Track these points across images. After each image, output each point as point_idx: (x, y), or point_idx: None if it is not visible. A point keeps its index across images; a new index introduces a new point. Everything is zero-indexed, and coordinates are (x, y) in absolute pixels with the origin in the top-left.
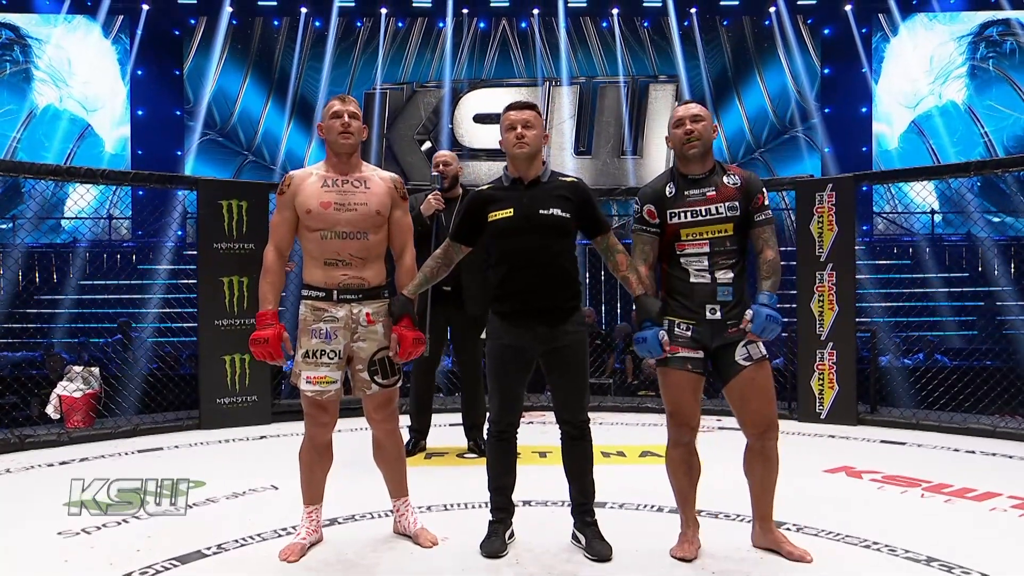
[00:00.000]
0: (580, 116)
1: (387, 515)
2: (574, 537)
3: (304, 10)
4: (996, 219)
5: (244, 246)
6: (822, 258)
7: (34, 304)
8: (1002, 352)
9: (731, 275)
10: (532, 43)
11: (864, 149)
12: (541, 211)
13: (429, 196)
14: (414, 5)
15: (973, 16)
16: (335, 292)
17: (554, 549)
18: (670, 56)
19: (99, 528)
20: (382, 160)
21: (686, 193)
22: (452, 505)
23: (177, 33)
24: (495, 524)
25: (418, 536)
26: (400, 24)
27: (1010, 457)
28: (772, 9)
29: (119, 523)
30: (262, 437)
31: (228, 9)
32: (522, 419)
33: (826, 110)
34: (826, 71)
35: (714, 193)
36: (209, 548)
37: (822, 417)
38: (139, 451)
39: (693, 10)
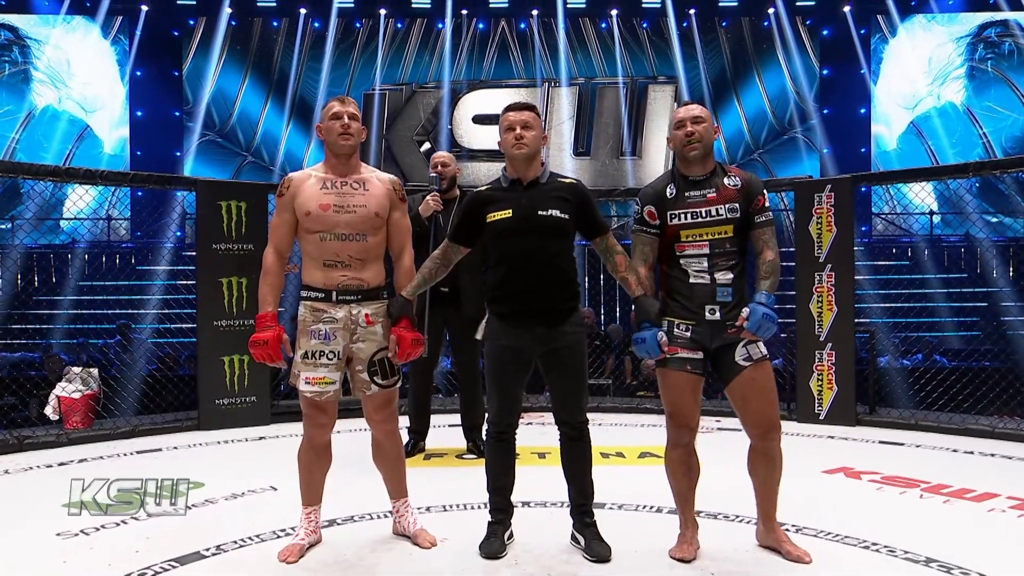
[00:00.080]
0: (579, 117)
1: (386, 516)
2: (573, 538)
3: (303, 11)
4: (994, 219)
5: (243, 247)
6: (821, 259)
7: (33, 305)
8: (1001, 353)
9: (730, 276)
10: (531, 44)
11: (863, 150)
12: (540, 212)
13: (427, 197)
14: (413, 6)
15: (972, 17)
16: (334, 293)
17: (553, 550)
18: (669, 57)
19: (98, 529)
20: (381, 161)
21: (686, 194)
22: (451, 506)
23: (176, 34)
24: (494, 525)
25: (417, 537)
26: (399, 25)
27: (1009, 458)
28: (771, 10)
29: (118, 524)
30: (261, 438)
31: (227, 10)
32: (521, 420)
33: (825, 111)
34: (825, 72)
35: (715, 195)
36: (208, 549)
37: (821, 418)
38: (138, 452)
39: (692, 11)
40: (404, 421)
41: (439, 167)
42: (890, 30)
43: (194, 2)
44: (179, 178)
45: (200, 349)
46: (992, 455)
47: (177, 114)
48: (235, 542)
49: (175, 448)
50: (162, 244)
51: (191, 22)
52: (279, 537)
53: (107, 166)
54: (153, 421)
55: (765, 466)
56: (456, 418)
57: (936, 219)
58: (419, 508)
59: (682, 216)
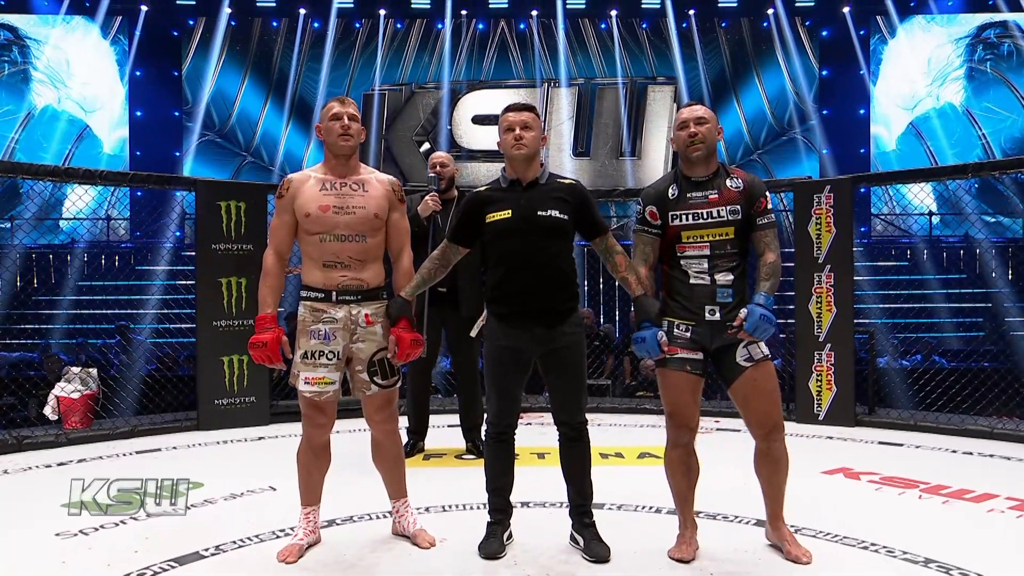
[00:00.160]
0: (578, 117)
1: (385, 516)
2: (572, 538)
3: (303, 11)
4: (992, 219)
5: (242, 247)
6: (820, 259)
7: (32, 305)
8: (1000, 353)
9: (731, 277)
10: (531, 44)
11: (862, 151)
12: (539, 212)
13: (426, 197)
14: (413, 6)
15: (971, 18)
16: (334, 293)
17: (552, 550)
18: (668, 58)
19: (97, 529)
20: (380, 161)
21: (688, 195)
22: (450, 506)
23: (176, 34)
24: (493, 525)
25: (416, 537)
26: (399, 25)
27: (1008, 458)
28: (770, 11)
29: (117, 524)
30: (260, 438)
31: (227, 10)
32: (520, 420)
33: (824, 112)
34: (824, 73)
35: (716, 196)
36: (207, 549)
37: (820, 418)
38: (137, 452)
39: (691, 12)
40: (403, 422)
41: (438, 167)
42: (889, 31)
43: (194, 2)
44: (178, 178)
45: (199, 349)
46: (991, 456)
47: (176, 114)
48: (234, 542)
49: (174, 448)
50: (161, 244)
51: (191, 22)
52: (278, 537)
53: (106, 166)
54: (152, 421)
55: (769, 467)
56: (455, 418)
57: (935, 220)
58: (418, 508)
59: (683, 217)
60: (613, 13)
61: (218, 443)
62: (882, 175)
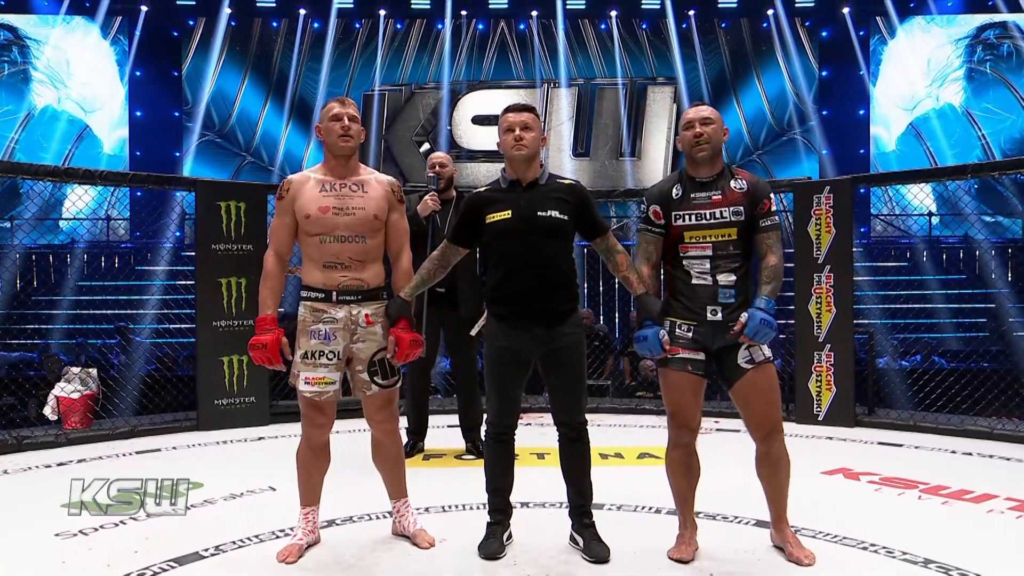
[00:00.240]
0: (578, 118)
1: (385, 516)
2: (572, 539)
3: (303, 11)
4: (990, 219)
5: (242, 247)
6: (820, 260)
7: (32, 305)
8: (1000, 354)
9: (733, 278)
10: (531, 45)
11: (862, 151)
12: (539, 213)
13: (426, 197)
14: (413, 7)
15: (970, 19)
16: (334, 293)
17: (552, 551)
18: (668, 58)
19: (97, 529)
20: (380, 161)
21: (692, 196)
22: (450, 506)
23: (176, 34)
24: (493, 526)
25: (416, 537)
26: (399, 26)
27: (1007, 459)
28: (770, 12)
29: (117, 524)
30: (260, 438)
31: (227, 10)
32: (520, 421)
33: (824, 112)
34: (824, 73)
35: (720, 197)
36: (207, 549)
37: (820, 419)
38: (137, 452)
39: (691, 12)
40: (403, 422)
41: (437, 167)
42: (889, 32)
43: (193, 2)
44: (178, 178)
45: (199, 349)
46: (991, 456)
47: (176, 114)
48: (234, 543)
49: (174, 448)
50: (161, 244)
51: (190, 22)
52: (278, 537)
53: (106, 166)
54: (152, 421)
55: (770, 469)
56: (455, 418)
57: (935, 220)
58: (418, 509)
59: (686, 217)
60: (613, 13)
61: (218, 443)
62: (882, 176)
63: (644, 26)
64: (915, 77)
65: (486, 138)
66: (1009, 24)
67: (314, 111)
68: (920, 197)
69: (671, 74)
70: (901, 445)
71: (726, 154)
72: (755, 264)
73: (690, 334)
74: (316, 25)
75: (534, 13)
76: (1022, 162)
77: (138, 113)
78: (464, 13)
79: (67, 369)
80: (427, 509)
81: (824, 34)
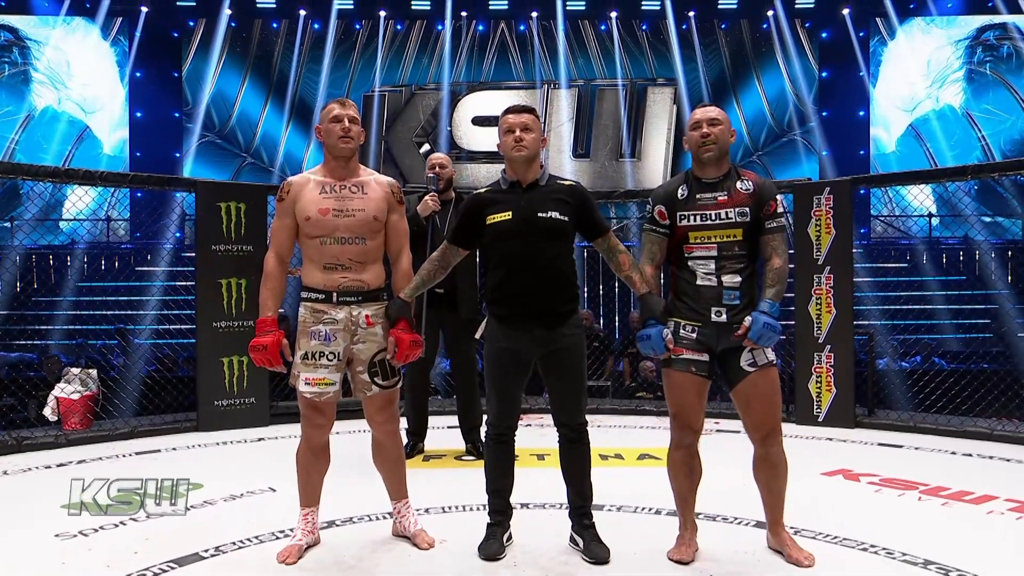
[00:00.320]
0: (578, 119)
1: (385, 517)
2: (572, 540)
3: (303, 12)
4: (989, 220)
5: (242, 248)
6: (820, 261)
7: (32, 305)
8: (1000, 355)
9: (738, 279)
10: (531, 46)
11: (862, 152)
12: (539, 214)
13: (426, 197)
14: (413, 8)
15: (970, 20)
16: (335, 294)
17: (552, 551)
18: (668, 59)
19: (97, 530)
20: (380, 162)
21: (698, 196)
22: (450, 507)
23: (176, 35)
24: (493, 527)
25: (416, 538)
26: (399, 27)
27: (1007, 460)
28: (770, 13)
29: (116, 525)
30: (260, 439)
31: (227, 11)
32: (520, 422)
33: (824, 113)
34: (824, 75)
35: (726, 198)
36: (207, 550)
37: (820, 420)
38: (137, 453)
39: (691, 13)
40: (403, 423)
41: (436, 168)
42: (889, 33)
43: (194, 3)
44: (178, 179)
45: (199, 350)
46: (991, 457)
47: (177, 115)
48: (234, 543)
49: (174, 449)
50: (161, 245)
51: (191, 23)
52: (278, 538)
53: (106, 167)
54: (152, 422)
55: (768, 472)
56: (455, 419)
57: (935, 221)
58: (418, 509)
59: (691, 218)
60: (613, 15)
61: (218, 444)
62: (881, 177)
63: (644, 27)
64: (915, 78)
65: (486, 139)
66: (1009, 25)
67: (314, 112)
68: (920, 198)
69: (671, 75)
70: (901, 446)
71: None
72: (761, 265)
73: (694, 335)
74: (316, 26)
75: (534, 14)
76: (1022, 163)
77: (138, 114)
78: (464, 14)
79: (67, 370)
80: (427, 510)
81: (824, 35)
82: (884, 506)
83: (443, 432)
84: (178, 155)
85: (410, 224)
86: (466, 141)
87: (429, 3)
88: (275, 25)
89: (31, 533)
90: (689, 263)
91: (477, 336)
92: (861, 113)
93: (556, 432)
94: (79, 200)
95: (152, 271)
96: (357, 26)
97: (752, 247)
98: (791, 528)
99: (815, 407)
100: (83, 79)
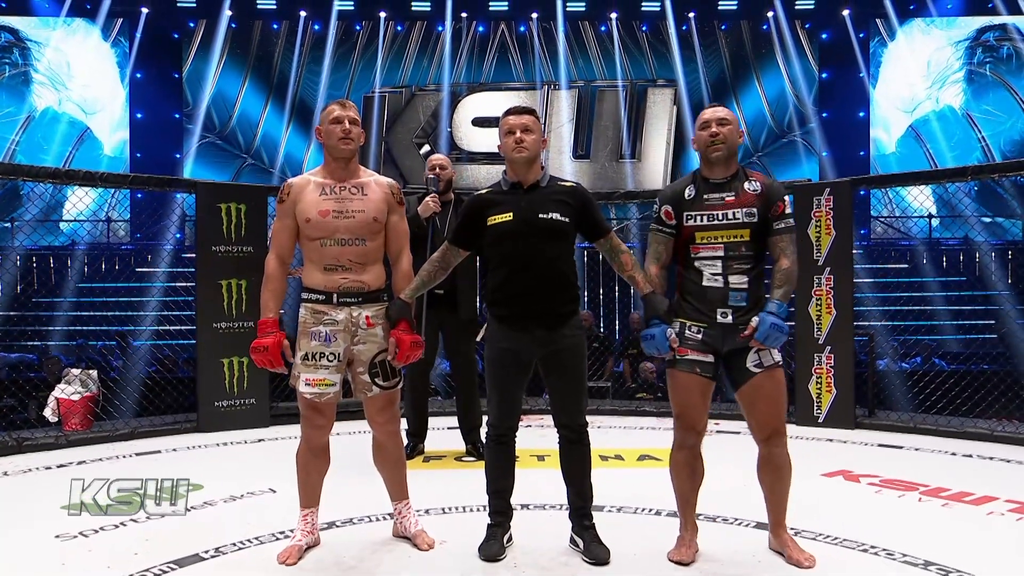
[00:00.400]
0: (578, 120)
1: (385, 518)
2: (572, 541)
3: (303, 14)
4: (988, 220)
5: (243, 249)
6: (820, 262)
7: (32, 306)
8: (1000, 356)
9: (745, 280)
10: (531, 47)
11: (862, 153)
12: (540, 215)
13: (427, 199)
14: (413, 9)
15: (970, 21)
16: (335, 295)
17: (552, 552)
18: (668, 60)
19: (97, 531)
20: (380, 163)
21: (705, 197)
22: (450, 508)
23: (176, 36)
24: (493, 527)
25: (416, 538)
26: (399, 28)
27: (1008, 461)
28: (770, 14)
29: (117, 526)
30: (260, 440)
31: (227, 12)
32: (520, 422)
33: (824, 114)
34: (824, 76)
35: (733, 198)
36: (207, 551)
37: (820, 421)
38: (137, 454)
39: (691, 14)
40: (403, 424)
41: (438, 169)
42: (889, 34)
43: (194, 4)
44: (179, 180)
45: (199, 351)
46: (991, 458)
47: (177, 116)
48: (234, 544)
49: (174, 450)
50: (162, 246)
51: (191, 24)
52: (278, 539)
53: (107, 168)
54: (152, 423)
55: (772, 474)
56: (455, 420)
57: (935, 222)
58: (418, 510)
59: (698, 218)
60: (613, 16)
61: (218, 445)
62: (881, 177)
63: (644, 28)
64: (915, 79)
65: (486, 140)
66: (1009, 26)
67: (314, 113)
68: (920, 199)
69: (671, 76)
70: (901, 447)
71: None
72: (768, 267)
73: (700, 336)
74: (316, 27)
75: (534, 15)
76: (1022, 164)
77: (139, 115)
78: (464, 15)
79: (67, 371)
80: (427, 511)
81: (824, 36)
82: (884, 507)
83: (443, 433)
84: (178, 156)
85: (410, 225)
86: (466, 142)
87: (429, 4)
88: (275, 26)
89: (31, 534)
90: (696, 263)
91: (478, 340)
92: (861, 114)
93: (556, 433)
94: (79, 201)
95: (152, 272)
96: (357, 27)
97: (759, 248)
98: (791, 529)
99: (815, 408)
100: (83, 80)
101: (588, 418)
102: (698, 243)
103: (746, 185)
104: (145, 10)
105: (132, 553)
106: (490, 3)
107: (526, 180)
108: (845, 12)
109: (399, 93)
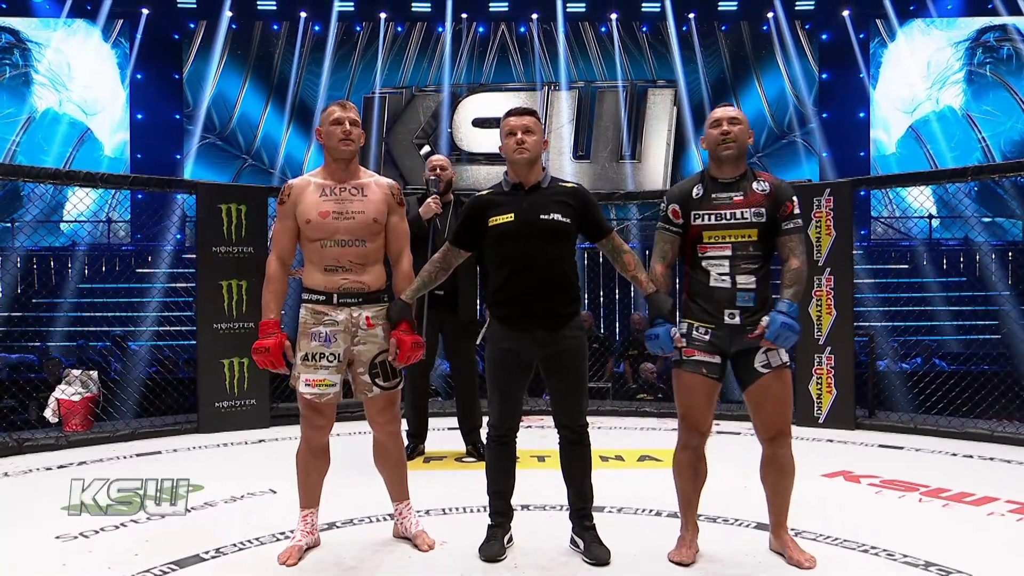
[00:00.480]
0: (579, 121)
1: (385, 519)
2: (572, 541)
3: (303, 14)
4: (987, 219)
5: (243, 250)
6: (820, 262)
7: (32, 307)
8: (1000, 356)
9: (753, 280)
10: (531, 48)
11: (862, 154)
12: (542, 216)
13: (428, 200)
14: (413, 10)
15: (970, 22)
16: (335, 296)
17: (552, 553)
18: (668, 61)
19: (97, 532)
20: (381, 164)
21: (713, 196)
22: (451, 509)
23: (176, 37)
24: (494, 528)
25: (417, 539)
26: (399, 29)
27: (1008, 461)
28: (770, 15)
29: (117, 527)
30: (260, 441)
31: (228, 13)
32: (521, 423)
33: (824, 115)
34: (824, 76)
35: (741, 198)
36: (207, 552)
37: (820, 421)
38: (137, 455)
39: (691, 15)
40: (403, 425)
41: (438, 170)
42: (889, 34)
43: (194, 5)
44: (179, 181)
45: (200, 352)
46: (991, 459)
47: (177, 117)
48: (234, 545)
49: (174, 451)
50: (162, 247)
51: (191, 25)
52: (278, 540)
53: (107, 169)
54: (152, 424)
55: (775, 474)
56: (455, 421)
57: (935, 223)
58: (419, 511)
59: (706, 217)
60: (613, 16)
61: (218, 446)
62: (882, 178)
63: (644, 29)
64: (915, 80)
65: (486, 141)
66: (1009, 27)
67: (315, 114)
68: (920, 200)
69: (671, 77)
70: (902, 448)
71: None
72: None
73: (707, 337)
74: (317, 28)
75: (534, 16)
76: (1022, 165)
77: (139, 116)
78: (464, 16)
79: (67, 371)
80: (427, 512)
81: (824, 37)
82: (885, 508)
83: (443, 434)
84: (179, 157)
85: (411, 226)
86: (466, 143)
87: (429, 5)
88: (276, 27)
89: (32, 534)
90: (703, 263)
91: (478, 342)
92: (861, 115)
93: (557, 434)
94: (80, 202)
95: (153, 273)
96: (358, 28)
97: (767, 248)
98: (792, 529)
99: (815, 409)
100: (84, 81)
101: (588, 419)
102: (705, 242)
103: (755, 185)
104: (145, 11)
105: (132, 554)
106: (490, 4)
107: (527, 181)
108: (845, 13)
109: (399, 94)
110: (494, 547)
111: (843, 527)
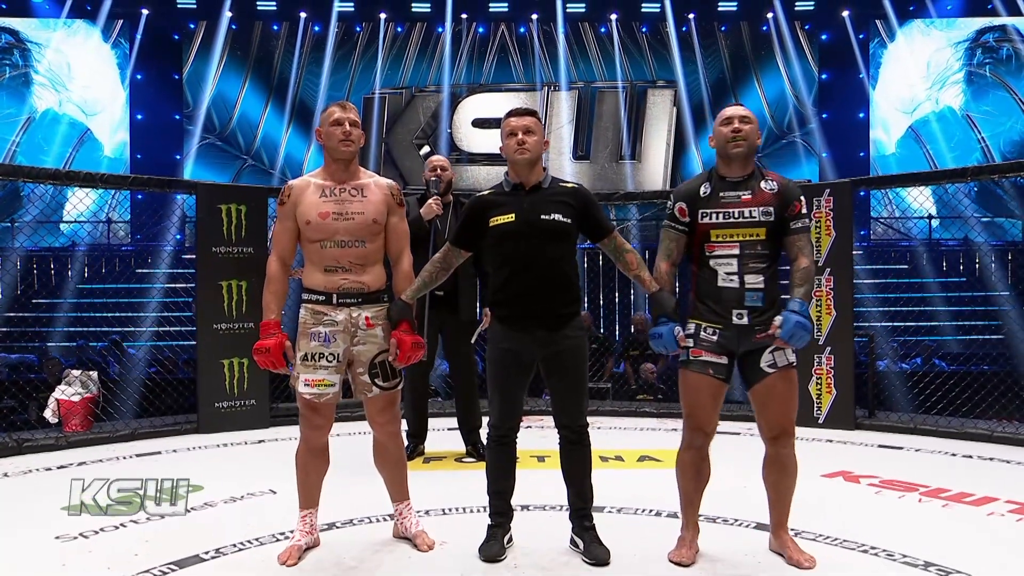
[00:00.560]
0: (579, 121)
1: (385, 519)
2: (572, 541)
3: (303, 15)
4: (986, 219)
5: (243, 250)
6: (820, 263)
7: (32, 307)
8: (1000, 356)
9: (761, 280)
10: (531, 48)
11: (862, 154)
12: (542, 216)
13: (430, 200)
14: (413, 10)
15: (970, 22)
16: (335, 296)
17: (552, 553)
18: (668, 61)
19: (97, 532)
20: (381, 164)
21: (721, 195)
22: (451, 509)
23: (176, 38)
24: (494, 528)
25: (417, 539)
26: (399, 29)
27: (1007, 462)
28: (770, 15)
29: (117, 527)
30: (260, 441)
31: (227, 14)
32: (521, 423)
33: (824, 115)
34: (824, 77)
35: (749, 197)
36: (207, 552)
37: (820, 421)
38: (137, 455)
39: (691, 16)
40: (403, 425)
41: (439, 170)
42: (889, 35)
43: (194, 5)
44: (179, 181)
45: (199, 352)
46: (991, 459)
47: (177, 117)
48: (234, 545)
49: (174, 451)
50: (162, 247)
51: (191, 25)
52: (278, 540)
53: (107, 169)
54: (152, 424)
55: (777, 474)
56: (455, 421)
57: (935, 223)
58: (419, 511)
59: (713, 215)
60: (613, 17)
61: (218, 446)
62: (881, 178)
63: (644, 29)
64: (915, 80)
65: (486, 141)
66: (1008, 27)
67: (315, 114)
68: (920, 200)
69: (671, 77)
70: (901, 448)
71: None
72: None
73: (715, 337)
74: (317, 28)
75: (534, 16)
76: (1021, 165)
77: (139, 116)
78: (464, 16)
79: (67, 372)
80: (427, 512)
81: (824, 37)
82: (884, 508)
83: (443, 434)
84: (179, 157)
85: (412, 227)
86: (466, 143)
87: (429, 5)
88: (276, 27)
89: (31, 535)
90: (711, 262)
91: (472, 342)
92: (861, 115)
93: (557, 434)
94: (80, 202)
95: (153, 273)
96: (357, 28)
97: (774, 247)
98: (792, 530)
99: (815, 409)
100: (84, 81)
101: (588, 419)
102: (713, 241)
103: (763, 184)
104: (145, 11)
105: (132, 554)
106: (490, 4)
107: (528, 181)
108: (845, 13)
109: (399, 94)
110: (494, 547)
111: (843, 527)
